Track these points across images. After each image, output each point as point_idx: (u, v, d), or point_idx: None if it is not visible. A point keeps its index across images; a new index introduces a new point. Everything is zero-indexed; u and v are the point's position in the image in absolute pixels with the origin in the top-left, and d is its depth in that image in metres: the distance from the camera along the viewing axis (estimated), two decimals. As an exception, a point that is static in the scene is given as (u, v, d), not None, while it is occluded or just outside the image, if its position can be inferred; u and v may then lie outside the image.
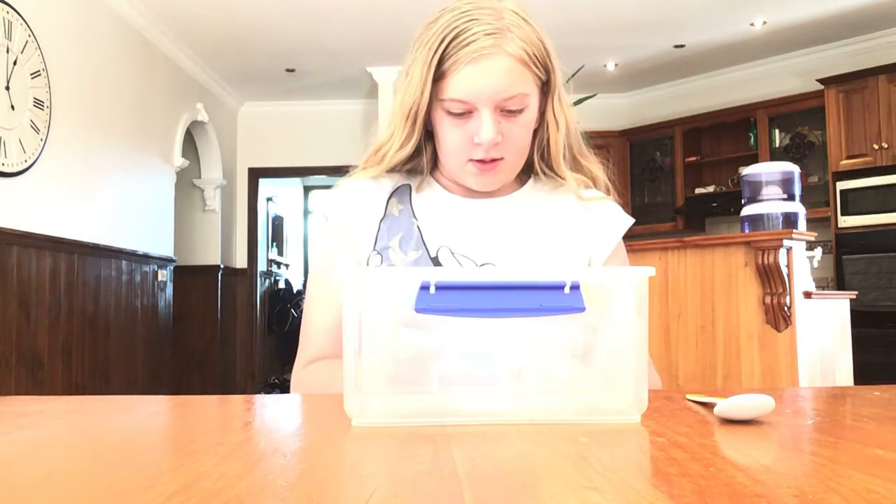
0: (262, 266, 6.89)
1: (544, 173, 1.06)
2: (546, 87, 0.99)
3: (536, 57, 0.94)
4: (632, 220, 1.07)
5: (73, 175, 3.77)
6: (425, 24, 0.97)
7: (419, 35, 0.97)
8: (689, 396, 0.72)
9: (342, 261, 1.02)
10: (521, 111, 0.95)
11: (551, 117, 1.00)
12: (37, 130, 3.41)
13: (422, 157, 1.03)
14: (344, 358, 0.63)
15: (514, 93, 0.92)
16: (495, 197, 1.04)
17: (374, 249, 1.01)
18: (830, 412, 0.70)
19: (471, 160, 0.97)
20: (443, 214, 1.03)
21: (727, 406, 0.60)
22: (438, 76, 0.93)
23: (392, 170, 1.04)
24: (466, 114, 0.94)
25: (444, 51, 0.91)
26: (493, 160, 0.97)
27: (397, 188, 1.05)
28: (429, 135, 1.02)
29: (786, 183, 2.95)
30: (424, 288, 0.61)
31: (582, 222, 1.04)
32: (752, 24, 4.88)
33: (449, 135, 0.96)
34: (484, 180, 1.00)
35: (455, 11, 0.93)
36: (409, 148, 1.00)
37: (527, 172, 1.07)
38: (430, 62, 0.92)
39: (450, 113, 0.94)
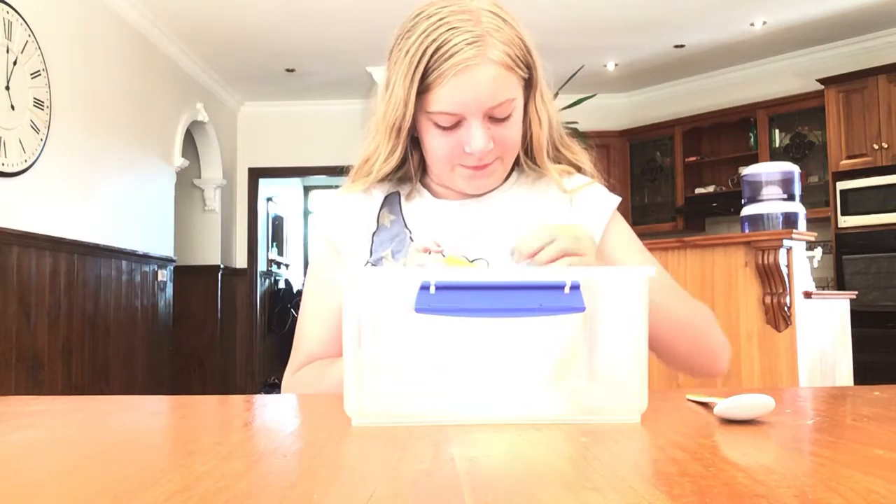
0: (262, 266, 6.89)
1: (528, 166, 1.06)
2: (529, 84, 0.98)
3: (519, 58, 0.93)
4: (618, 199, 1.06)
5: (73, 175, 3.77)
6: (400, 33, 0.95)
7: (396, 44, 0.96)
8: (689, 396, 0.72)
9: (336, 275, 1.03)
10: (508, 116, 0.94)
11: (534, 113, 1.00)
12: (37, 130, 3.41)
13: (409, 166, 1.03)
14: (344, 358, 0.63)
15: (501, 100, 0.92)
16: (483, 195, 1.04)
17: (368, 262, 1.02)
18: (830, 412, 0.70)
19: (461, 165, 0.97)
20: (433, 220, 1.03)
21: (727, 406, 0.60)
22: (422, 89, 0.92)
23: (381, 179, 1.04)
24: (455, 125, 0.93)
25: (427, 64, 0.90)
26: (486, 164, 0.97)
27: (387, 197, 1.06)
28: (414, 142, 1.02)
29: (786, 183, 2.95)
30: (424, 288, 0.61)
31: (569, 212, 1.04)
32: (752, 24, 4.88)
33: (437, 144, 0.96)
34: (477, 183, 1.00)
35: (432, 19, 0.91)
36: (394, 160, 1.00)
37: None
38: (413, 76, 0.91)
39: (437, 125, 0.94)
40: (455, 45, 0.89)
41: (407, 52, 0.92)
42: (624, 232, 1.06)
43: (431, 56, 0.90)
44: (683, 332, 0.97)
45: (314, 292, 1.05)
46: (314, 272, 1.08)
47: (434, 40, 0.90)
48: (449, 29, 0.90)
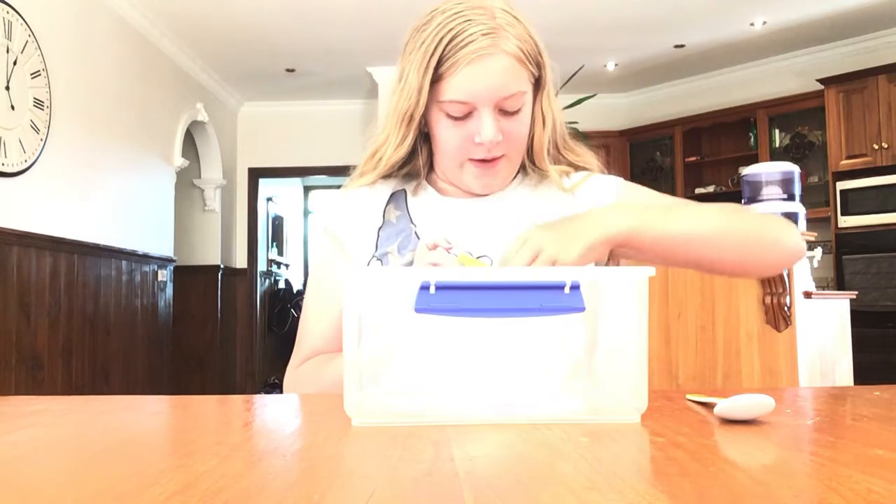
0: (262, 266, 6.89)
1: (531, 169, 1.06)
2: (537, 84, 1.00)
3: (530, 54, 0.95)
4: (617, 178, 1.06)
5: (73, 175, 3.77)
6: (416, 27, 0.97)
7: (410, 38, 0.97)
8: (689, 396, 0.72)
9: (340, 270, 1.03)
10: (518, 110, 0.95)
11: (539, 114, 1.01)
12: (37, 130, 3.40)
13: (417, 160, 1.04)
14: (344, 358, 0.63)
15: (512, 91, 0.93)
16: (488, 195, 1.04)
17: (373, 256, 1.02)
18: (830, 412, 0.70)
19: (470, 160, 0.98)
20: (438, 217, 1.03)
21: (727, 406, 0.60)
22: (436, 78, 0.93)
23: (388, 175, 1.05)
24: (466, 115, 0.94)
25: (442, 53, 0.92)
26: (494, 158, 0.97)
27: (393, 194, 1.06)
28: (424, 137, 1.03)
29: (786, 183, 2.95)
30: (424, 288, 0.61)
31: (573, 207, 1.03)
32: (752, 24, 4.88)
33: (447, 135, 0.97)
34: (485, 182, 1.00)
35: (447, 13, 0.94)
36: (404, 149, 1.00)
37: None
38: (428, 65, 0.92)
39: (449, 115, 0.95)
40: (470, 34, 0.91)
41: (422, 42, 0.94)
42: (643, 196, 1.04)
43: (447, 45, 0.92)
44: (727, 242, 0.91)
45: (317, 288, 1.06)
46: (317, 267, 1.08)
47: (450, 30, 0.92)
48: (464, 21, 0.92)
